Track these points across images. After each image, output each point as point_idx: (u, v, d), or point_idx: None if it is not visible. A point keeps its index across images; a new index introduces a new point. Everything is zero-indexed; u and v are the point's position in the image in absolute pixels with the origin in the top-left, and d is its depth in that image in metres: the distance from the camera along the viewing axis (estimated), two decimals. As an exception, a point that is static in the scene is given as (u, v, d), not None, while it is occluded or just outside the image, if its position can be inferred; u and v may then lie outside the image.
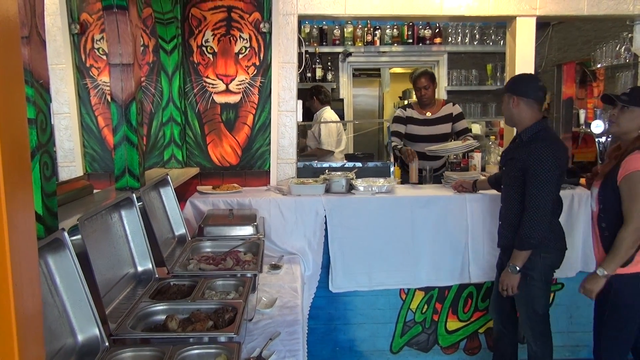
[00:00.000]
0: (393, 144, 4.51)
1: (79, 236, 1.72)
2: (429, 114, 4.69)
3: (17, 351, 0.75)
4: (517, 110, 2.92)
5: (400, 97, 10.09)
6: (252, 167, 4.13)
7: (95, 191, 2.65)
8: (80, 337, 1.63)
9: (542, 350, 3.04)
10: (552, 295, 3.66)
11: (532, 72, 4.19)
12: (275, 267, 3.30)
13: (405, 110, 4.80)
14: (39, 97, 1.71)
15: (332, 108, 6.00)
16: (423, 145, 4.41)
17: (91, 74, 3.94)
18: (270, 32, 3.99)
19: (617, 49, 4.87)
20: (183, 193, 3.81)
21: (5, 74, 0.76)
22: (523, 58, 4.19)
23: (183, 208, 3.58)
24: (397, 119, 4.76)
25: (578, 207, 3.58)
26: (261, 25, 3.98)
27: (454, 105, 4.78)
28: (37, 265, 0.84)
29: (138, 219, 2.28)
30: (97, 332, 1.64)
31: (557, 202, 2.94)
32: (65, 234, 1.60)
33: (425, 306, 3.81)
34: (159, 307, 2.03)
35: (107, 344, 1.66)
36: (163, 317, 1.97)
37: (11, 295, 0.73)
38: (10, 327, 0.74)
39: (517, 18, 4.13)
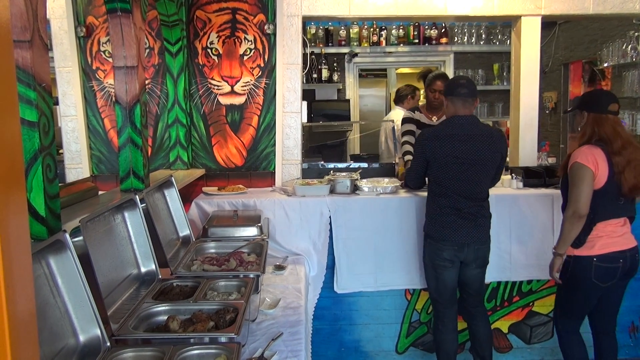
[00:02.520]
0: (406, 148, 4.25)
1: (81, 237, 1.73)
2: (434, 119, 4.46)
3: (10, 354, 0.76)
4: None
5: (407, 97, 10.08)
6: (257, 168, 4.14)
7: (100, 193, 2.67)
8: (81, 338, 1.64)
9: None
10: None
11: (538, 71, 4.18)
12: (280, 267, 3.31)
13: (414, 113, 4.51)
14: (42, 100, 1.73)
15: (341, 109, 5.99)
16: None
17: (97, 76, 3.98)
18: (274, 34, 4.00)
19: (624, 47, 4.84)
20: (188, 194, 3.83)
21: (-2, 79, 0.77)
22: (528, 57, 4.18)
23: (188, 209, 3.60)
24: (408, 120, 4.49)
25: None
26: (266, 27, 3.99)
27: None
28: (31, 268, 0.86)
29: (141, 220, 2.30)
30: (98, 332, 1.65)
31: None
32: (67, 235, 1.62)
33: (431, 307, 3.80)
34: (161, 307, 2.05)
35: (108, 344, 1.67)
36: (165, 317, 1.98)
37: (3, 298, 0.74)
38: (2, 330, 0.75)
39: (522, 17, 4.12)
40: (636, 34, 4.58)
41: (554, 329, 3.57)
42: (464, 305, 3.38)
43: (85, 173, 4.00)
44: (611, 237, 2.93)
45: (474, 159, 3.09)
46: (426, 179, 3.39)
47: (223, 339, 1.80)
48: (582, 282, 2.99)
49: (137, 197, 2.32)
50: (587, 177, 2.85)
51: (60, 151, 4.05)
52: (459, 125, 3.14)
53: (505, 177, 3.81)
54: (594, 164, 2.85)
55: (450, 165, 3.10)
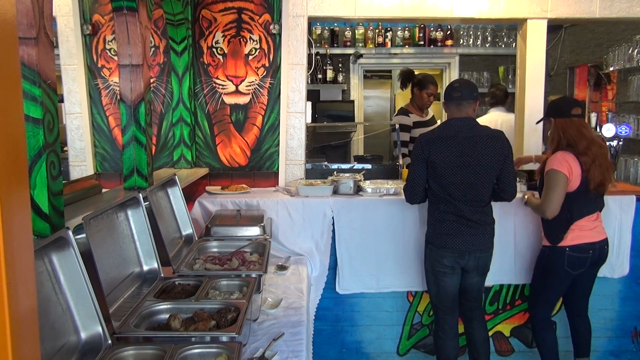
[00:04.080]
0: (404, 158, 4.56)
1: (83, 235, 1.74)
2: (425, 118, 5.03)
3: (11, 351, 0.76)
4: None
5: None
6: (260, 168, 4.14)
7: (104, 190, 2.68)
8: (83, 335, 1.65)
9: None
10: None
11: (543, 75, 4.18)
12: (282, 268, 3.31)
13: (409, 115, 4.94)
14: (47, 97, 1.73)
15: (346, 110, 6.00)
16: None
17: (103, 74, 3.98)
18: (280, 34, 4.00)
19: (630, 52, 4.82)
20: (192, 193, 3.84)
21: (3, 75, 0.77)
22: (534, 61, 4.17)
23: (192, 208, 3.61)
24: (403, 117, 4.92)
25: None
26: (271, 27, 3.99)
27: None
28: (33, 264, 0.86)
29: (144, 218, 2.30)
30: (100, 330, 1.65)
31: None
32: (70, 232, 1.62)
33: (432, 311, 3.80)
34: (163, 306, 2.05)
35: (109, 342, 1.67)
36: (166, 316, 1.98)
37: (5, 294, 0.74)
38: (3, 325, 0.75)
39: (528, 20, 4.11)
40: (642, 38, 4.57)
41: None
42: (462, 309, 3.38)
43: (90, 171, 4.00)
44: (583, 230, 3.22)
45: (475, 161, 3.06)
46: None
47: (224, 338, 1.80)
48: (556, 270, 3.27)
49: (140, 195, 2.32)
50: (561, 182, 3.13)
51: (65, 148, 4.06)
52: (455, 127, 3.12)
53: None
54: (567, 170, 3.12)
55: (451, 167, 3.06)
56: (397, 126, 4.73)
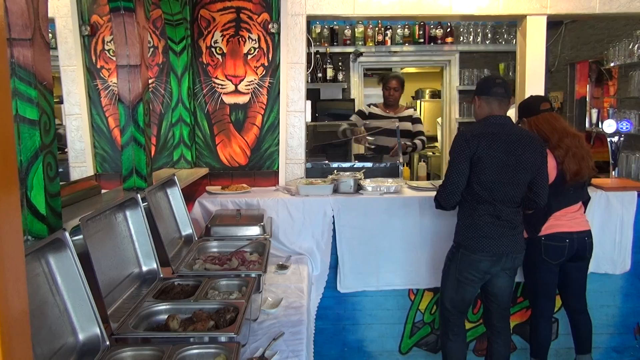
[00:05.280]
0: (343, 127, 5.11)
1: (81, 236, 1.73)
2: (391, 114, 5.30)
3: (2, 352, 0.76)
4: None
5: (412, 97, 10.07)
6: (260, 167, 4.14)
7: (103, 191, 2.68)
8: (81, 336, 1.64)
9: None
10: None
11: (543, 71, 4.16)
12: (283, 267, 3.31)
13: (370, 107, 5.37)
14: (43, 98, 1.73)
15: (346, 108, 6.09)
16: (383, 139, 4.91)
17: (102, 75, 3.98)
18: (278, 33, 3.99)
19: (630, 47, 4.80)
20: (192, 193, 3.83)
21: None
22: (534, 57, 4.15)
23: (192, 208, 3.60)
24: (359, 112, 5.40)
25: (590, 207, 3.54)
26: (270, 26, 3.99)
27: (414, 110, 5.60)
28: (24, 266, 0.85)
29: (143, 219, 2.30)
30: (97, 331, 1.65)
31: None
32: (66, 233, 1.62)
33: (435, 307, 3.79)
34: (162, 306, 2.04)
35: (107, 343, 1.67)
36: (165, 316, 1.98)
37: (-6, 295, 0.74)
38: (-6, 326, 0.74)
39: (528, 17, 4.09)
40: (643, 33, 4.55)
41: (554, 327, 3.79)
42: (489, 319, 3.26)
43: (90, 171, 4.00)
44: (559, 220, 3.28)
45: (517, 161, 2.93)
46: None
47: (223, 339, 1.79)
48: (536, 261, 3.31)
49: (138, 195, 2.32)
50: None
51: (66, 150, 4.06)
52: (498, 125, 2.98)
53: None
54: None
55: (497, 166, 2.91)
56: (398, 124, 4.78)
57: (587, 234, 3.33)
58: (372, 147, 4.97)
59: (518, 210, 3.07)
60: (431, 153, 8.43)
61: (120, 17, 2.59)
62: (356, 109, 6.28)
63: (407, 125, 5.23)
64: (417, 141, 5.21)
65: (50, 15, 3.81)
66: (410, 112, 5.41)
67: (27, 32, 1.66)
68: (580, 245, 3.29)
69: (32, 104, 1.69)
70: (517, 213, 3.05)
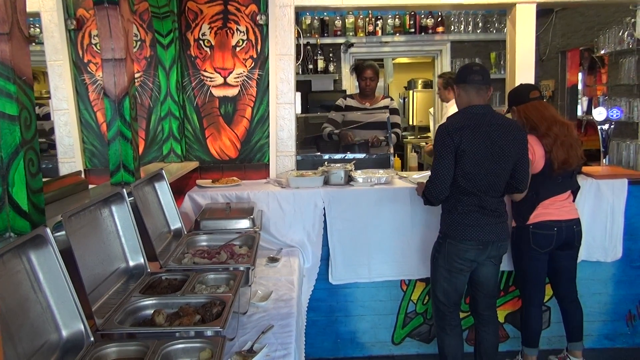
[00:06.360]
0: (328, 129, 4.97)
1: (63, 232, 1.72)
2: (367, 105, 5.10)
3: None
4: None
5: (405, 87, 10.05)
6: (251, 160, 4.12)
7: (91, 187, 2.66)
8: (64, 333, 1.63)
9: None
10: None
11: (533, 60, 4.15)
12: (273, 260, 3.30)
13: (346, 99, 5.18)
14: (22, 93, 1.71)
15: (335, 100, 6.00)
16: (360, 132, 4.84)
17: (89, 69, 3.95)
18: (267, 24, 3.97)
19: (620, 34, 4.79)
20: (182, 187, 3.82)
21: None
22: (524, 45, 4.14)
23: (182, 202, 3.59)
24: (336, 108, 5.18)
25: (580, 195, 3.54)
26: (258, 18, 3.95)
27: (391, 100, 5.24)
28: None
29: (129, 214, 2.28)
30: (81, 327, 1.63)
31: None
32: (48, 230, 1.60)
33: (427, 297, 3.80)
34: (148, 301, 2.03)
35: (92, 339, 1.66)
36: (152, 311, 1.96)
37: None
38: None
39: (517, 5, 4.07)
40: (633, 20, 4.52)
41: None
42: (476, 308, 3.27)
43: (78, 167, 3.98)
44: (547, 208, 3.28)
45: (500, 151, 2.92)
46: None
47: (209, 333, 1.78)
48: (524, 248, 3.33)
49: (124, 190, 2.30)
50: None
51: (54, 146, 4.03)
52: (479, 116, 2.96)
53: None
54: (530, 152, 3.15)
55: (480, 158, 2.90)
56: (387, 113, 4.75)
57: (576, 222, 3.33)
58: (359, 142, 4.86)
59: (502, 199, 3.08)
60: (424, 143, 8.41)
61: (104, 10, 2.56)
62: None
63: (381, 117, 4.96)
64: (392, 134, 4.91)
65: (35, 9, 3.82)
66: (387, 101, 5.14)
67: (5, 26, 1.64)
68: (568, 233, 3.29)
69: (12, 99, 1.66)
70: (501, 202, 3.06)
